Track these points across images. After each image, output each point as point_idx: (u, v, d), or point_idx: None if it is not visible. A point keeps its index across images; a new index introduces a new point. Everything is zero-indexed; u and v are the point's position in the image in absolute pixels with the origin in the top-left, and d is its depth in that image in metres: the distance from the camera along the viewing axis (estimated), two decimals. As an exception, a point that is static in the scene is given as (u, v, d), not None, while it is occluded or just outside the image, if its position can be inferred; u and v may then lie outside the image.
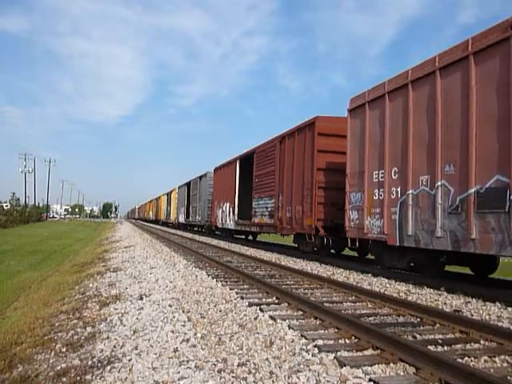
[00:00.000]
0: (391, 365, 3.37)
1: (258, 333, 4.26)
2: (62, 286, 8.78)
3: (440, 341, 4.04)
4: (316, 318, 4.86)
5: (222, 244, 17.74)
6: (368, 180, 9.09)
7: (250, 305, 5.58)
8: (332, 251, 12.33)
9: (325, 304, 5.48)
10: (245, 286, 7.14)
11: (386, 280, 8.05)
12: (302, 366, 3.33)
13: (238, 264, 10.33)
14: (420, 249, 7.65)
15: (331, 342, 4.01)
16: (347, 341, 4.04)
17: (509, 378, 3.12)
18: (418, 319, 4.97)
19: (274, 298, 6.06)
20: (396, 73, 8.46)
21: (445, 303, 5.98)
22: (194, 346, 3.89)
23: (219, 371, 3.25)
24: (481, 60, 6.54)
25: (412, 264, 8.52)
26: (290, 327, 4.47)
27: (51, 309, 6.43)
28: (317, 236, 11.40)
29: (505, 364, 3.48)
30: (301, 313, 5.20)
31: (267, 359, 3.49)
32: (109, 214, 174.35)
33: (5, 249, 20.23)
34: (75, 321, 5.24)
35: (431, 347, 3.81)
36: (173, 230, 33.12)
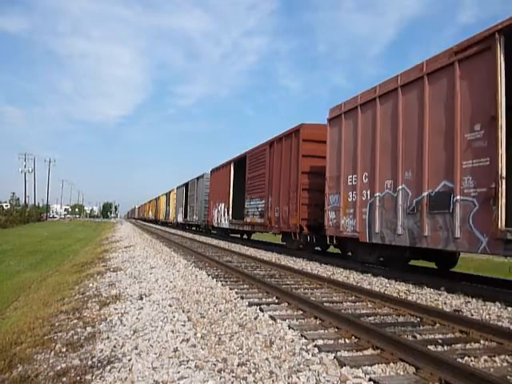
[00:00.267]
0: (391, 364, 3.37)
1: (257, 333, 4.26)
2: (62, 285, 8.78)
3: (440, 340, 4.04)
4: (316, 318, 4.86)
5: (222, 244, 17.75)
6: (343, 183, 10.04)
7: (250, 304, 5.58)
8: (318, 249, 13.14)
9: (325, 304, 5.48)
10: (245, 286, 7.14)
11: (386, 280, 8.05)
12: (301, 365, 3.33)
13: (238, 264, 10.33)
14: (386, 245, 8.53)
15: (331, 341, 4.01)
16: (347, 341, 4.04)
17: (509, 377, 3.12)
18: (418, 319, 4.97)
19: (274, 298, 6.06)
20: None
21: (445, 303, 5.98)
22: (194, 345, 3.89)
23: (219, 371, 3.25)
24: (433, 80, 7.47)
25: (381, 258, 9.40)
26: (289, 327, 4.47)
27: (51, 309, 6.43)
28: (301, 234, 12.36)
29: (505, 364, 3.48)
30: (301, 312, 5.20)
31: (267, 359, 3.49)
32: (109, 213, 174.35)
33: (5, 249, 20.24)
34: (75, 321, 5.24)
35: (431, 347, 3.81)
36: (173, 230, 33.12)
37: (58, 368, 3.60)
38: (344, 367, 3.28)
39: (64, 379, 3.34)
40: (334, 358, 3.49)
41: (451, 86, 7.03)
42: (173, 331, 4.35)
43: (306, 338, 4.06)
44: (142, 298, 6.13)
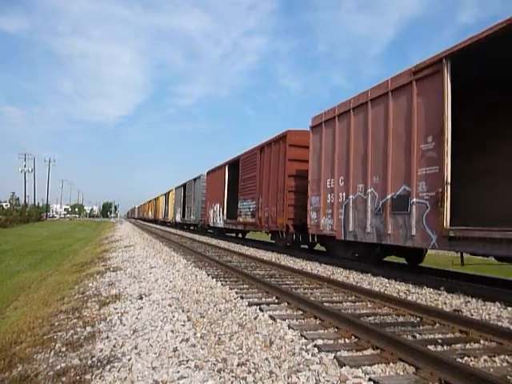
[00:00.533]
0: (391, 364, 3.37)
1: (257, 332, 4.26)
2: (62, 285, 8.78)
3: (440, 340, 4.03)
4: (316, 318, 4.86)
5: (222, 244, 17.75)
6: (323, 186, 10.98)
7: (250, 304, 5.58)
8: (305, 246, 14.01)
9: (324, 304, 5.48)
10: (244, 286, 7.14)
11: (386, 280, 8.05)
12: (301, 365, 3.33)
13: (238, 264, 10.33)
14: (359, 242, 9.43)
15: (331, 341, 4.00)
16: (347, 340, 4.04)
17: (509, 377, 3.12)
18: (418, 319, 4.96)
19: (274, 298, 6.06)
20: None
21: (445, 303, 5.98)
22: (194, 345, 3.89)
23: (219, 371, 3.25)
24: (396, 96, 8.37)
25: (356, 255, 10.27)
26: (289, 327, 4.47)
27: (51, 308, 6.43)
28: (288, 233, 13.29)
29: (504, 364, 3.48)
30: (300, 312, 5.19)
31: (267, 359, 3.49)
32: (108, 213, 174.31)
33: (4, 248, 20.24)
34: (75, 320, 5.23)
35: (431, 347, 3.81)
36: (173, 230, 33.11)
37: (58, 367, 3.60)
38: (344, 367, 3.28)
39: (64, 379, 3.34)
40: (334, 357, 3.49)
41: (410, 102, 7.93)
42: (172, 331, 4.35)
43: (305, 338, 4.06)
44: (141, 298, 6.13)
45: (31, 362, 3.91)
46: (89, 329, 4.72)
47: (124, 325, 4.74)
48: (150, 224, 53.72)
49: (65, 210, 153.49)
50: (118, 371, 3.34)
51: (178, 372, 3.24)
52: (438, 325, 4.69)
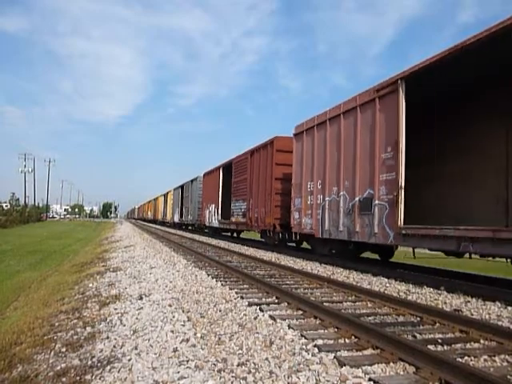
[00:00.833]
0: (391, 364, 3.37)
1: (257, 332, 4.26)
2: (62, 285, 8.78)
3: (440, 340, 4.04)
4: (316, 318, 4.86)
5: (222, 244, 17.75)
6: (304, 189, 12.01)
7: (250, 304, 5.58)
8: (293, 244, 15.04)
9: (324, 304, 5.48)
10: (244, 286, 7.14)
11: (386, 279, 8.05)
12: (301, 365, 3.33)
13: (238, 264, 10.33)
14: (334, 239, 10.47)
15: (331, 341, 4.00)
16: (347, 340, 4.04)
17: (509, 377, 3.12)
18: (418, 319, 4.96)
19: (274, 298, 6.06)
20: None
21: (445, 302, 5.98)
22: (194, 345, 3.88)
23: (219, 371, 3.25)
24: (363, 110, 9.39)
25: (333, 251, 11.28)
26: (289, 327, 4.47)
27: (51, 309, 6.43)
28: (274, 232, 14.39)
29: (505, 363, 3.48)
30: (300, 312, 5.19)
31: (267, 359, 3.49)
32: (108, 213, 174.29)
33: (4, 249, 20.24)
34: (75, 321, 5.23)
35: (431, 347, 3.81)
36: (173, 230, 33.13)
37: (58, 368, 3.60)
38: (344, 367, 3.28)
39: (64, 379, 3.34)
40: (334, 357, 3.49)
41: (374, 116, 8.95)
42: (172, 331, 4.35)
43: (305, 338, 4.06)
44: (141, 298, 6.13)
45: (31, 363, 3.91)
46: (89, 329, 4.72)
47: (124, 325, 4.74)
48: (150, 224, 53.74)
49: (65, 210, 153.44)
50: (118, 371, 3.34)
51: (178, 372, 3.24)
52: (438, 324, 4.69)
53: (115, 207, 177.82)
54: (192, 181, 29.43)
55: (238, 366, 3.35)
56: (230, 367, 3.32)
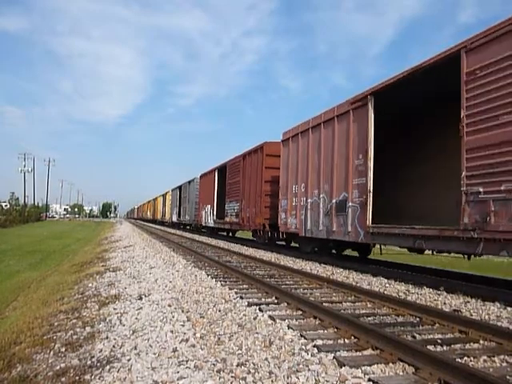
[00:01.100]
0: (390, 365, 3.37)
1: (257, 333, 4.26)
2: (62, 285, 8.77)
3: (439, 341, 4.04)
4: (315, 318, 4.86)
5: (221, 244, 17.75)
6: (290, 191, 12.99)
7: (250, 305, 5.58)
8: (283, 243, 15.66)
9: (324, 304, 5.48)
10: (244, 286, 7.14)
11: (386, 280, 8.05)
12: (301, 365, 3.33)
13: (238, 264, 10.33)
14: (317, 238, 11.31)
15: (330, 341, 4.01)
16: (346, 341, 4.04)
17: (508, 377, 3.12)
18: (418, 319, 4.97)
19: (274, 298, 6.05)
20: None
21: (444, 303, 5.98)
22: (193, 345, 3.88)
23: (218, 371, 3.25)
24: (339, 121, 10.35)
25: (316, 249, 12.17)
26: (289, 327, 4.47)
27: (50, 308, 6.42)
28: (264, 231, 15.33)
29: (504, 364, 3.48)
30: (300, 312, 5.19)
31: (266, 359, 3.49)
32: (108, 213, 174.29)
33: (4, 248, 20.23)
34: (74, 320, 5.23)
35: (430, 347, 3.81)
36: (172, 230, 33.13)
37: (57, 368, 3.60)
38: (343, 367, 3.28)
39: (63, 379, 3.34)
40: (334, 358, 3.49)
41: (348, 126, 9.89)
42: (172, 331, 4.35)
43: (305, 338, 4.06)
44: (141, 298, 6.12)
45: (30, 363, 3.91)
46: (88, 329, 4.72)
47: (123, 325, 4.74)
48: (150, 224, 53.75)
49: (64, 210, 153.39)
50: (118, 371, 3.33)
51: (178, 372, 3.24)
52: (437, 325, 4.69)
53: (115, 207, 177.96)
54: (189, 182, 30.33)
55: (237, 366, 3.35)
56: (229, 367, 3.32)
